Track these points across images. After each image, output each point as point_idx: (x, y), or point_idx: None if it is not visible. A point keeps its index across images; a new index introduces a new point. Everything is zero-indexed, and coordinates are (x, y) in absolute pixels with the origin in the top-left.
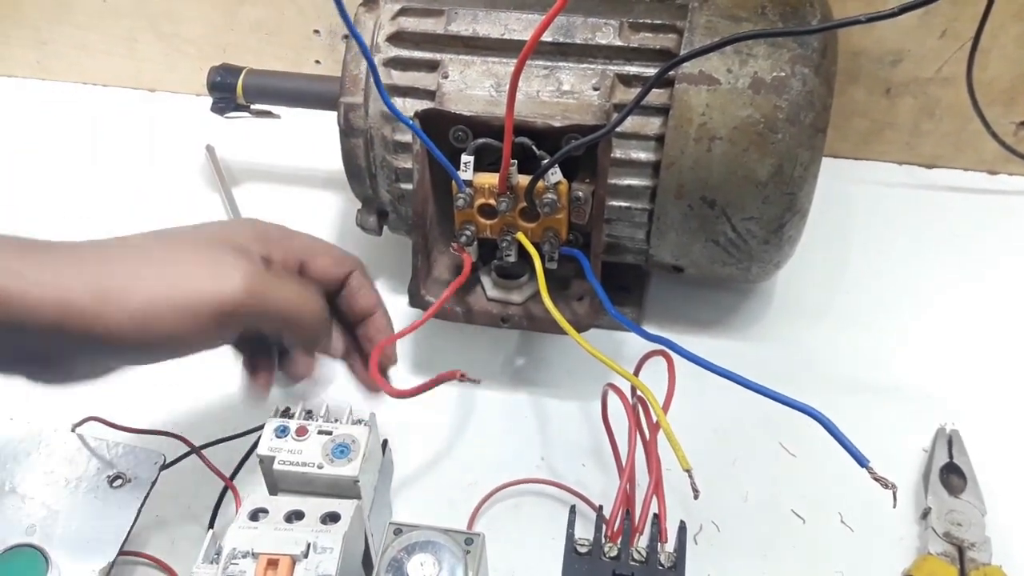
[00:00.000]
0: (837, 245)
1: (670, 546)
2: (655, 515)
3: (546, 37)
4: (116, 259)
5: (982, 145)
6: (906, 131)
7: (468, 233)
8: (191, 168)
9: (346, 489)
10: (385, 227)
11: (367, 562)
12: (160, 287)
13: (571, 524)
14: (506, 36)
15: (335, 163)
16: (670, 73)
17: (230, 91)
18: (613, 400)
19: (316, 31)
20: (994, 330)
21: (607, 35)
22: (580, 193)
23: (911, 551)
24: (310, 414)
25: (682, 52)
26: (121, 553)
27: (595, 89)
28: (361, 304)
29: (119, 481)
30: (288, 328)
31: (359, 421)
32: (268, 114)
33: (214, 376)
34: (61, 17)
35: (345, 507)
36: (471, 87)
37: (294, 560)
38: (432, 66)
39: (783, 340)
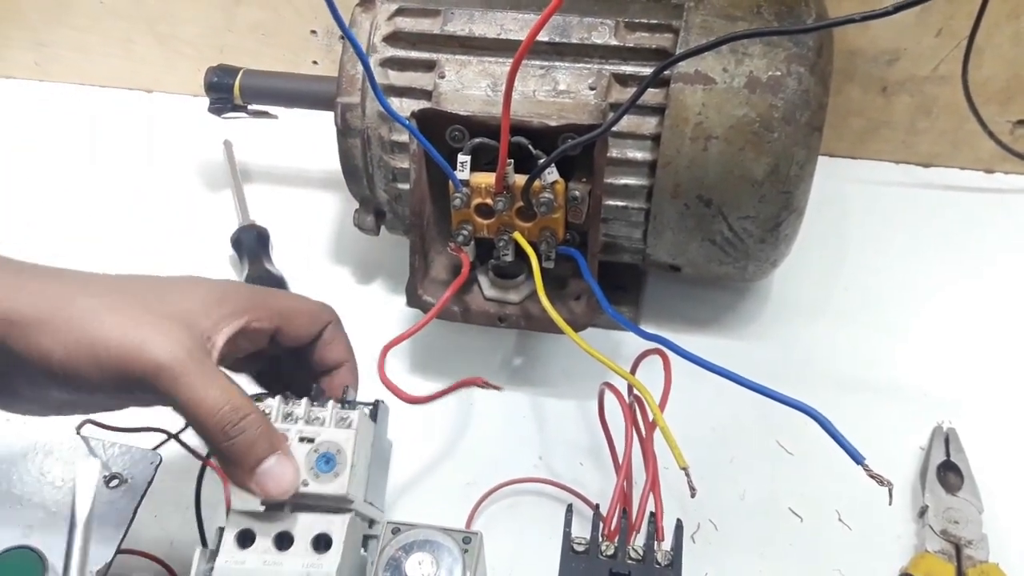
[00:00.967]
0: (834, 244)
1: (667, 544)
2: (652, 513)
3: (542, 37)
4: (73, 291)
5: (978, 144)
6: (902, 130)
7: (465, 233)
8: (189, 169)
9: (336, 502)
10: (382, 227)
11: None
12: (91, 329)
13: (568, 523)
14: (502, 36)
15: (332, 163)
16: (666, 72)
17: (227, 92)
18: (610, 399)
19: (313, 31)
20: (991, 328)
21: (603, 35)
22: (577, 192)
23: (908, 549)
24: (289, 416)
25: (678, 51)
26: (119, 552)
27: (591, 88)
28: (333, 356)
29: (115, 481)
30: (193, 424)
31: (343, 420)
32: (265, 114)
33: None
34: (59, 19)
35: (337, 527)
36: (467, 87)
37: None
38: (429, 66)
39: (780, 339)
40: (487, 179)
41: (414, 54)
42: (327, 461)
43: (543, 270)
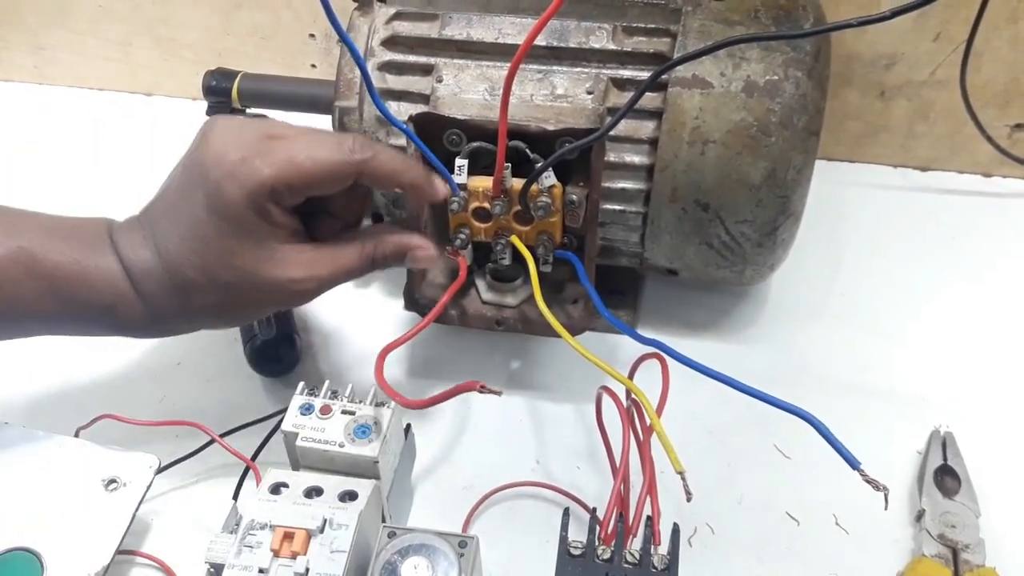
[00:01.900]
0: (831, 248)
1: (664, 548)
2: (648, 517)
3: (540, 41)
4: None
5: (976, 148)
6: (901, 134)
7: (463, 236)
8: None
9: (366, 469)
10: None
11: None
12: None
13: (564, 527)
14: (500, 40)
15: None
16: (663, 77)
17: (225, 95)
18: (607, 403)
19: (312, 35)
20: (989, 332)
21: (601, 39)
22: (574, 196)
23: (905, 553)
24: (335, 394)
25: (675, 56)
26: (119, 552)
27: (589, 93)
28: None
29: (114, 485)
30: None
31: (382, 404)
32: (263, 118)
33: (217, 372)
34: (58, 22)
35: (363, 486)
36: (465, 91)
37: (309, 534)
38: (426, 70)
39: (777, 342)
40: (484, 183)
41: (412, 58)
42: (364, 432)
43: (540, 274)
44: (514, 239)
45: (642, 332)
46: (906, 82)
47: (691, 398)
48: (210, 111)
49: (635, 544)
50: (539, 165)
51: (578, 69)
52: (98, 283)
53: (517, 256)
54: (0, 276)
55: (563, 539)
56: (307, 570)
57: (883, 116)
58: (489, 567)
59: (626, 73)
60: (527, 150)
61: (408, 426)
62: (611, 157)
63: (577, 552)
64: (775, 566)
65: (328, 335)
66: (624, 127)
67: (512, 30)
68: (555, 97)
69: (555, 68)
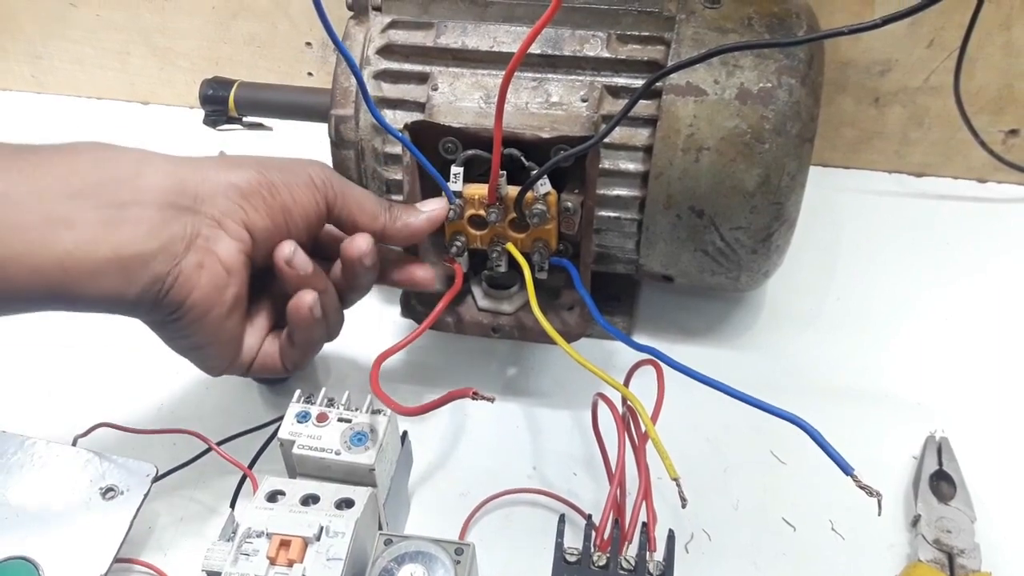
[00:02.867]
0: (826, 254)
1: (659, 555)
2: (644, 524)
3: (534, 49)
4: None
5: (971, 153)
6: (895, 140)
7: (458, 244)
8: None
9: (362, 476)
10: None
11: None
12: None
13: (560, 533)
14: (495, 48)
15: None
16: (657, 84)
17: (222, 104)
18: (603, 409)
19: (308, 44)
20: (984, 337)
21: (595, 47)
22: (569, 204)
23: (901, 558)
24: (332, 402)
25: (669, 63)
26: (116, 561)
27: (583, 100)
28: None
29: (111, 493)
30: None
31: (378, 411)
32: (260, 126)
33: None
34: (56, 31)
35: (360, 494)
36: (460, 99)
37: (306, 542)
38: (422, 78)
39: (773, 348)
40: (480, 190)
41: (407, 66)
42: (360, 439)
43: (536, 281)
44: (510, 246)
45: (638, 338)
46: (900, 88)
47: (687, 403)
48: (207, 120)
49: (631, 551)
50: (534, 173)
51: (572, 77)
52: None
53: (513, 263)
54: None
55: (559, 546)
56: None
57: (877, 122)
58: (485, 574)
59: (620, 81)
60: (522, 158)
61: (404, 433)
62: (606, 164)
63: (573, 559)
64: (771, 572)
65: None
66: (619, 134)
67: (507, 38)
68: (550, 105)
69: (550, 76)
